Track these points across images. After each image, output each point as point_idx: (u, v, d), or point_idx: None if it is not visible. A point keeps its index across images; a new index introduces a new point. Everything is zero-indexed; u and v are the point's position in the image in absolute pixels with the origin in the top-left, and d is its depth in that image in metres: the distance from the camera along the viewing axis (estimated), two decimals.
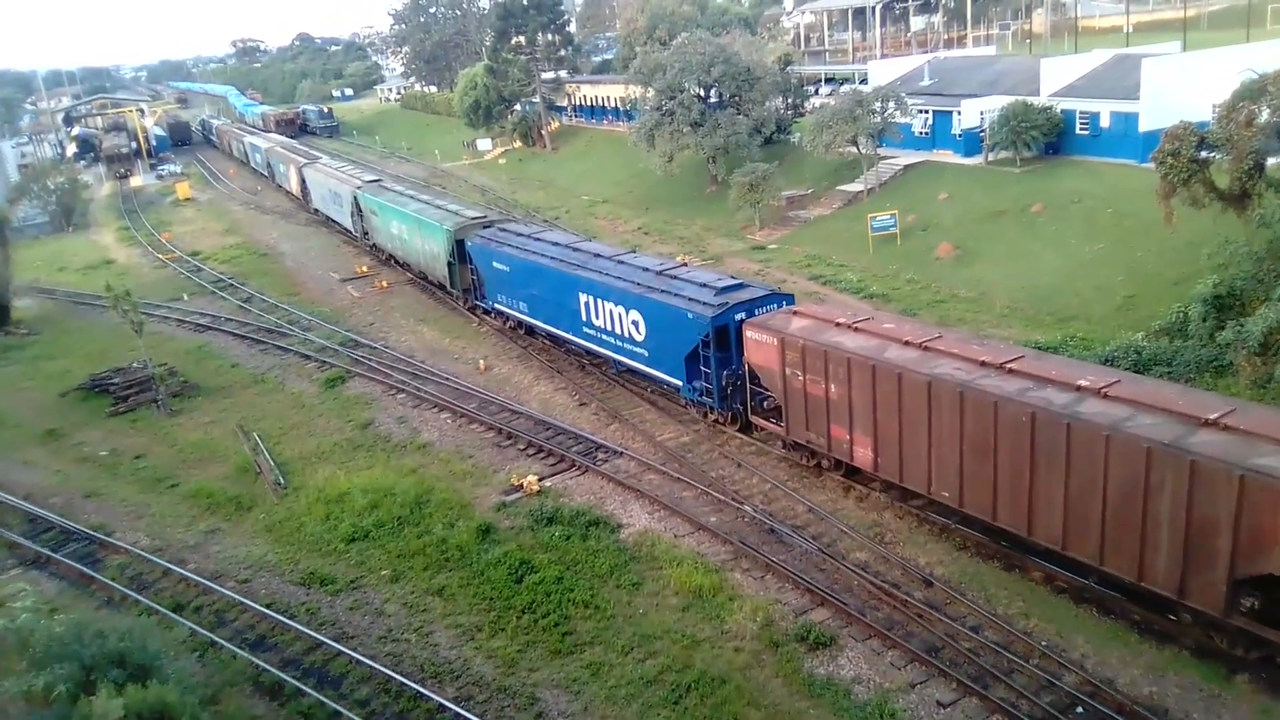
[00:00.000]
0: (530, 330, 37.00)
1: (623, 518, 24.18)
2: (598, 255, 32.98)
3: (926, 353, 21.26)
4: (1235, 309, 25.84)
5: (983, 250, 40.49)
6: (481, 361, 35.97)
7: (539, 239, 36.63)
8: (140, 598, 22.35)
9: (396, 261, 50.06)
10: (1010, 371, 19.67)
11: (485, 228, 39.80)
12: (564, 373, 33.82)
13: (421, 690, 18.31)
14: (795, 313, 25.11)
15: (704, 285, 27.88)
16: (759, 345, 24.73)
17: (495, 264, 36.93)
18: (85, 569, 24.01)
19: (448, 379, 34.47)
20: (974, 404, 19.33)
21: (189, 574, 23.30)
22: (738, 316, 25.99)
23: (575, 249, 34.31)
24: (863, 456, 22.64)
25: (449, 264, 40.85)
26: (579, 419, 30.25)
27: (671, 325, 27.54)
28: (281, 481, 27.90)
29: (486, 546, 23.03)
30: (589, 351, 33.13)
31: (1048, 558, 19.71)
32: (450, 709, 17.74)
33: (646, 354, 29.26)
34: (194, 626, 20.99)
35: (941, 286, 38.51)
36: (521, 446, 28.79)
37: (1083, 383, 18.56)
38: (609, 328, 30.60)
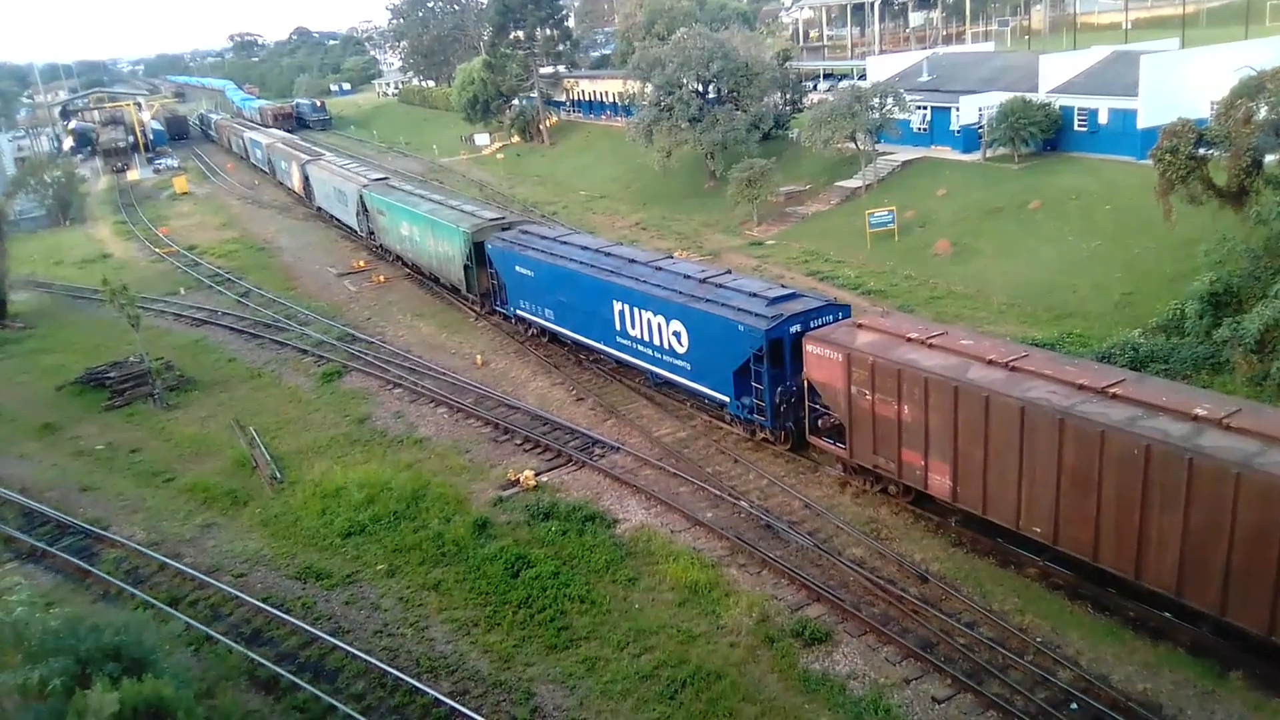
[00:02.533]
0: (555, 338, 35.26)
1: (619, 513, 24.18)
2: (633, 261, 31.14)
3: (1014, 373, 19.53)
4: (1232, 306, 25.90)
5: (980, 246, 40.50)
6: (479, 356, 35.94)
7: (566, 242, 34.84)
8: (136, 591, 22.34)
9: (404, 263, 48.82)
10: (1114, 396, 17.94)
11: (505, 229, 38.07)
12: (561, 368, 33.79)
13: (417, 685, 18.32)
14: (859, 326, 23.44)
15: (754, 295, 26.14)
16: (821, 360, 22.95)
17: (518, 268, 35.12)
18: (81, 563, 23.99)
19: (445, 374, 34.44)
20: (1075, 433, 17.66)
21: (185, 568, 23.29)
22: (792, 329, 24.45)
23: (607, 253, 32.37)
24: (939, 485, 20.89)
25: (465, 267, 39.36)
26: (576, 414, 30.23)
27: (719, 337, 25.86)
28: (278, 476, 27.88)
29: (483, 541, 23.04)
30: (622, 363, 31.42)
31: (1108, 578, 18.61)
32: (446, 703, 17.75)
33: (689, 367, 27.62)
34: (190, 620, 20.98)
35: (939, 282, 38.52)
36: (518, 441, 28.78)
37: (1199, 411, 16.89)
38: (646, 338, 28.96)
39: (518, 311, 36.40)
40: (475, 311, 40.78)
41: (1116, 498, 17.38)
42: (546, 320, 34.57)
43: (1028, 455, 18.68)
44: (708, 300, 26.63)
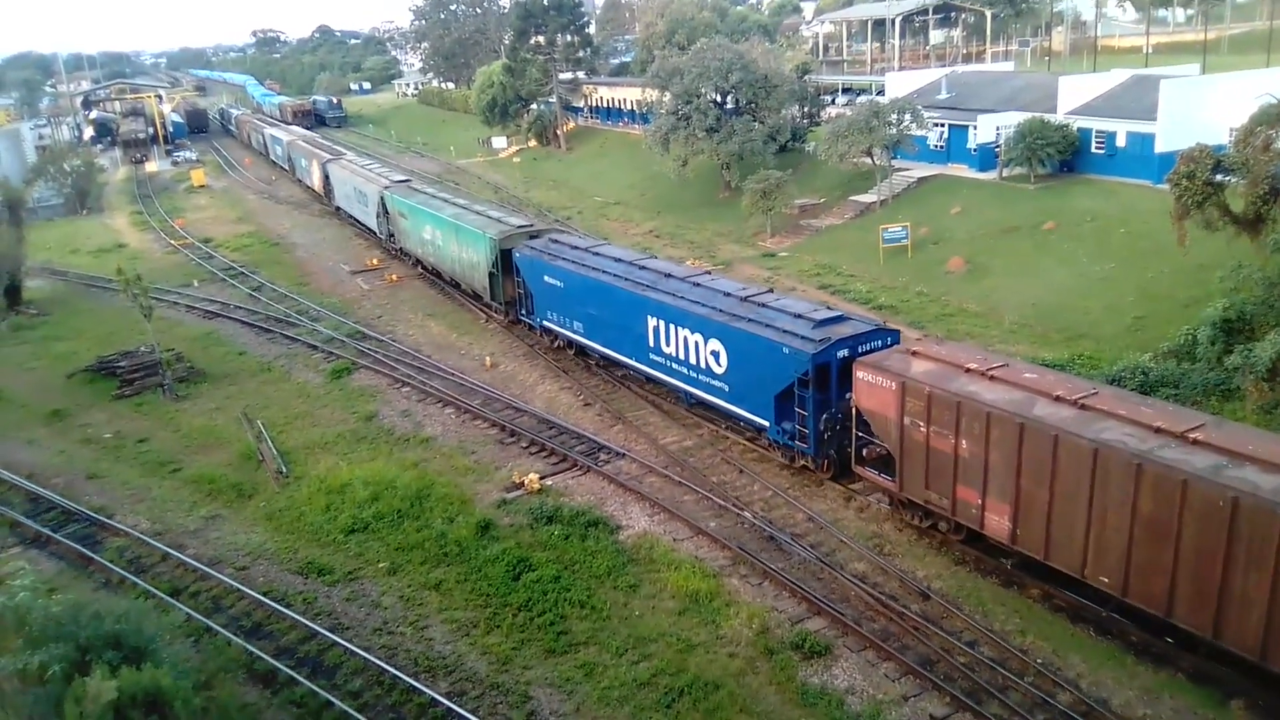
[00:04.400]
0: (582, 351, 34.31)
1: (622, 519, 24.16)
2: (669, 275, 30.15)
3: (1084, 411, 18.48)
4: (1244, 333, 25.77)
5: (994, 265, 40.42)
6: (488, 358, 35.99)
7: (598, 253, 33.89)
8: (138, 581, 22.41)
9: (424, 268, 47.93)
10: (1194, 442, 16.93)
11: (533, 237, 37.14)
12: (569, 373, 33.80)
13: (414, 684, 18.31)
14: (913, 353, 22.27)
15: (799, 316, 25.23)
16: (872, 388, 21.94)
17: (547, 278, 34.09)
18: (85, 550, 24.07)
19: (453, 374, 34.50)
20: (1154, 480, 16.65)
21: (188, 559, 23.36)
22: (839, 353, 23.50)
23: (642, 267, 31.44)
24: (996, 525, 19.84)
25: (490, 275, 38.39)
26: (582, 419, 30.24)
27: (762, 359, 24.89)
28: (283, 470, 27.95)
29: (485, 543, 23.05)
30: (653, 380, 30.45)
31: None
32: (442, 704, 17.74)
33: (727, 389, 26.62)
34: (190, 611, 21.03)
35: (951, 300, 38.45)
36: (524, 444, 28.79)
37: None
38: (681, 356, 28.01)
39: (545, 323, 35.39)
40: (494, 317, 40.24)
41: (1196, 551, 16.39)
42: (575, 333, 33.59)
43: (1098, 500, 17.69)
44: (750, 320, 25.74)
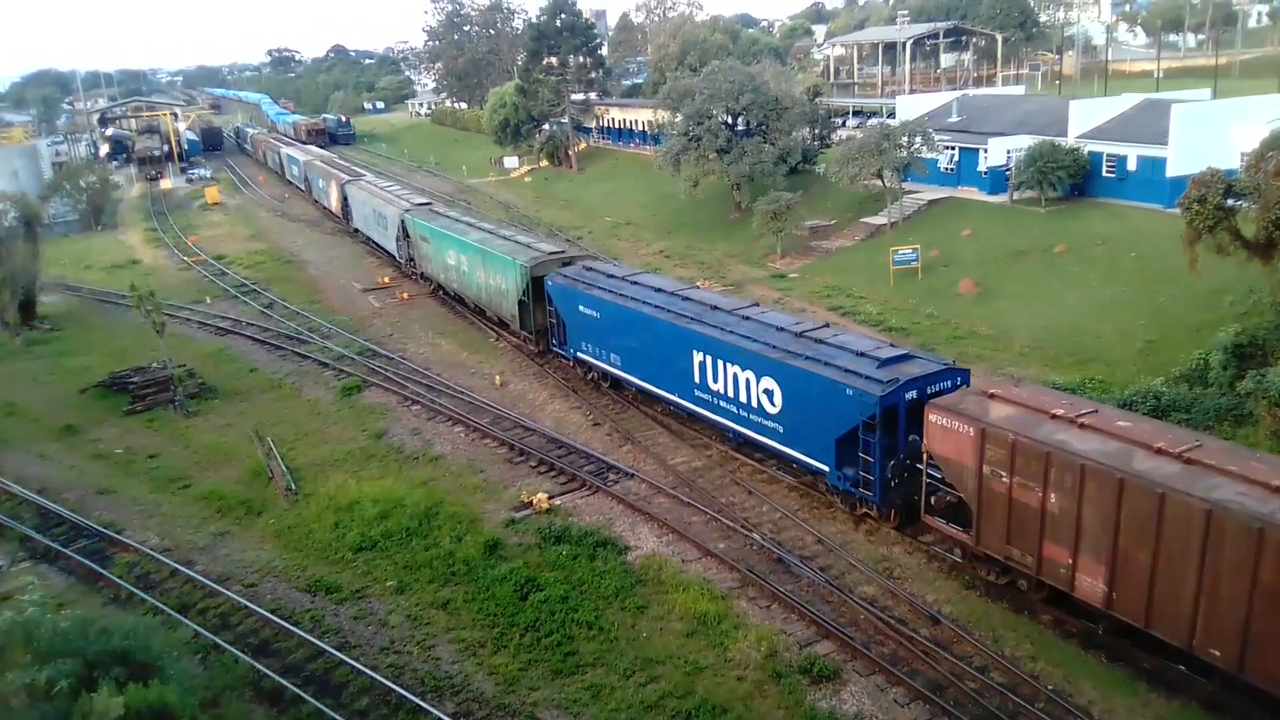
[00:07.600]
0: (617, 384, 33.12)
1: (631, 540, 24.10)
2: (715, 308, 28.72)
3: (1190, 466, 17.01)
4: (1257, 358, 25.71)
5: (1004, 288, 40.38)
6: (497, 377, 36.05)
7: (636, 282, 32.31)
8: (147, 597, 22.42)
9: (446, 293, 46.87)
10: None
11: (566, 264, 35.98)
12: (579, 392, 33.83)
13: (421, 704, 18.24)
14: (991, 395, 20.65)
15: (861, 354, 23.73)
16: (946, 433, 20.51)
17: (582, 308, 32.80)
18: (94, 565, 24.11)
19: (463, 393, 34.54)
20: (1278, 546, 15.27)
21: (196, 575, 23.38)
22: (908, 395, 22.18)
23: (685, 298, 30.04)
24: (1088, 587, 18.38)
25: (521, 303, 37.08)
26: (591, 439, 30.23)
27: (822, 400, 23.45)
28: (293, 487, 27.99)
29: (493, 562, 23.01)
30: (696, 416, 29.07)
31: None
32: None
33: (781, 430, 25.27)
34: (198, 628, 21.02)
35: (961, 323, 38.40)
36: (533, 464, 28.78)
37: None
38: (730, 394, 26.74)
39: (579, 354, 34.04)
40: (522, 347, 39.43)
41: None
42: (612, 366, 32.28)
43: (1210, 566, 16.21)
44: (808, 358, 24.32)
